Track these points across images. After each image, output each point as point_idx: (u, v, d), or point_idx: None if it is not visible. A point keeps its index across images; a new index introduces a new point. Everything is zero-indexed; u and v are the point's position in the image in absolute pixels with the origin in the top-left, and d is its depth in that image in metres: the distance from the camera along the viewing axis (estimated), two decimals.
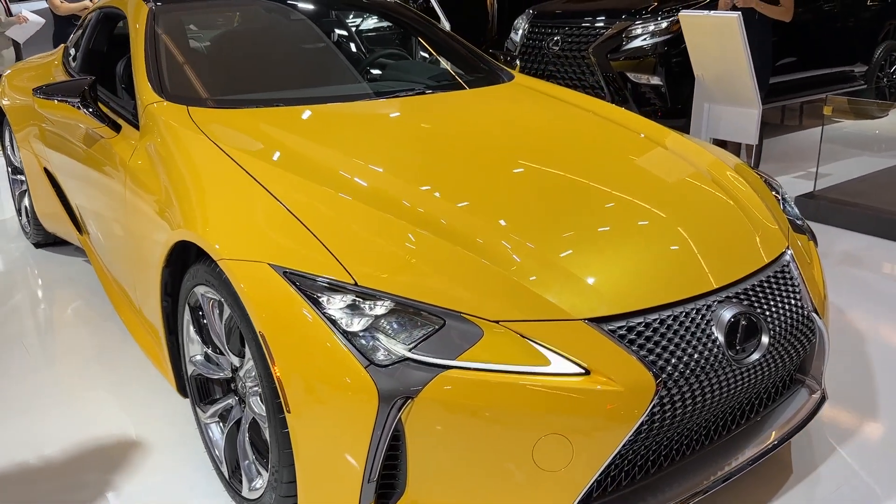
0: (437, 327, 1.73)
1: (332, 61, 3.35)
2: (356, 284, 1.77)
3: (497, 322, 1.75)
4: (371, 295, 1.76)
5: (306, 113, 2.68)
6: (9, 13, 6.62)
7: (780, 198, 2.58)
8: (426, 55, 3.70)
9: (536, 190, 2.22)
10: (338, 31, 3.71)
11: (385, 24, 4.30)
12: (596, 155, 2.53)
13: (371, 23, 4.01)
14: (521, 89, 3.22)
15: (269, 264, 1.83)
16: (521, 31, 6.66)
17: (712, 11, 3.86)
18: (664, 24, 5.71)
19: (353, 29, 3.87)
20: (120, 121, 2.82)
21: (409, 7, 3.89)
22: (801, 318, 2.09)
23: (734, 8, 4.59)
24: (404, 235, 1.92)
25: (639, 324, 1.81)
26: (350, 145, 2.43)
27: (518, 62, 3.94)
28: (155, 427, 2.60)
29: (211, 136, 2.40)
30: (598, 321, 1.78)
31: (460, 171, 2.31)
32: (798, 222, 2.53)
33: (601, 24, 5.98)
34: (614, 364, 1.74)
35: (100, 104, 2.83)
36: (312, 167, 2.24)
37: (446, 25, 8.38)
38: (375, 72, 3.33)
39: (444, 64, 3.55)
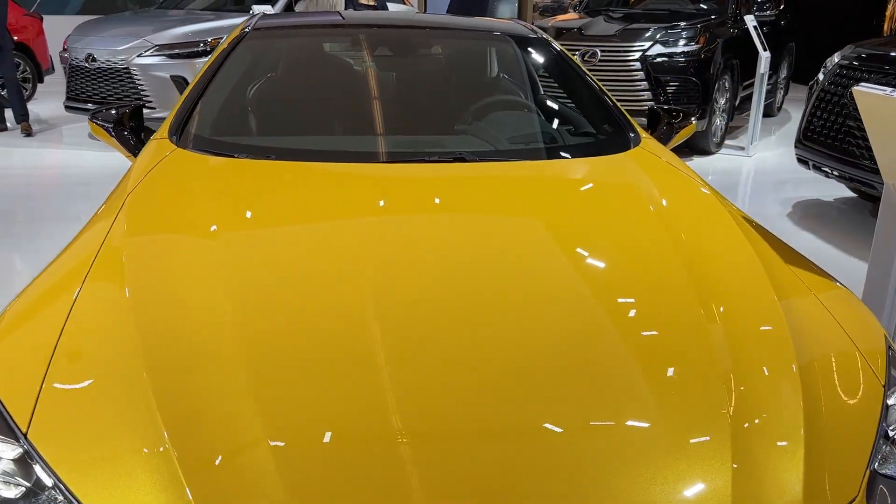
0: None
1: (404, 108, 2.72)
2: (25, 437, 1.30)
3: None
4: (36, 458, 1.28)
5: (289, 174, 2.17)
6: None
7: None
8: (534, 105, 2.93)
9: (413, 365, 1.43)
10: (447, 70, 3.12)
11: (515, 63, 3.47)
12: (577, 318, 1.59)
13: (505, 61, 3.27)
14: (624, 166, 2.34)
15: None
16: (825, 72, 5.24)
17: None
18: None
19: (477, 67, 3.22)
20: None
21: (545, 37, 3.11)
22: None
23: None
24: (146, 410, 1.34)
25: None
26: (271, 237, 1.89)
27: (694, 120, 2.95)
28: None
29: (145, 188, 2.08)
30: None
31: (343, 306, 1.59)
32: None
33: None
34: None
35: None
36: (177, 266, 1.71)
37: (765, 56, 7.09)
38: (457, 125, 2.68)
39: (550, 119, 2.77)
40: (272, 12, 7.08)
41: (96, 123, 2.67)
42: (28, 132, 7.64)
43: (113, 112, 2.72)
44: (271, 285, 1.65)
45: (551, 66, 3.06)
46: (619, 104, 2.79)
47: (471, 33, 3.25)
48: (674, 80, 6.79)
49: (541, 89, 3.02)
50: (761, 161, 7.24)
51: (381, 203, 2.05)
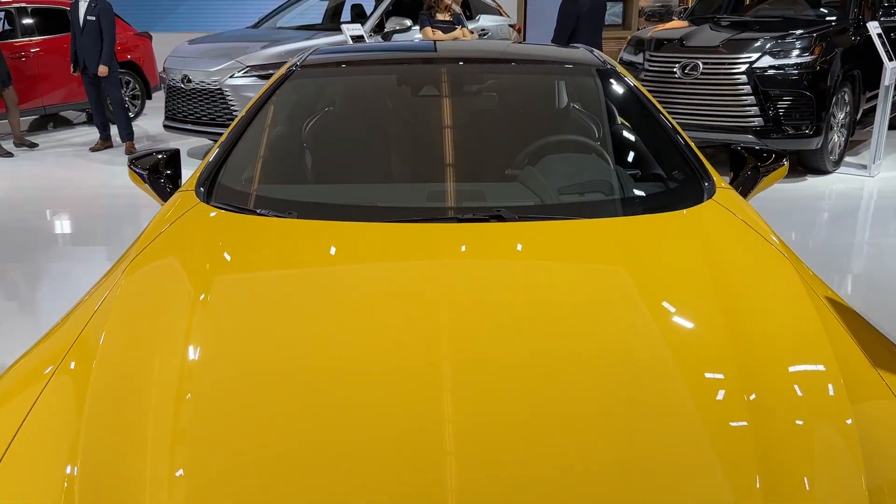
0: None
1: (443, 157, 2.40)
2: None
3: None
4: None
5: (323, 239, 1.97)
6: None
7: None
8: (599, 147, 2.59)
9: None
10: (508, 109, 2.84)
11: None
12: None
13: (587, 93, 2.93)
14: (689, 227, 2.02)
15: None
16: None
17: None
18: None
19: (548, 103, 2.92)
20: None
21: (615, 69, 2.78)
22: None
23: None
24: None
25: None
26: (279, 327, 1.64)
27: (785, 161, 2.58)
28: None
29: (153, 251, 1.96)
30: None
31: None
32: None
33: None
34: None
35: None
36: (152, 357, 1.53)
37: (891, 66, 6.44)
38: (509, 169, 2.39)
39: (614, 164, 2.45)
40: (360, 32, 7.03)
41: (133, 171, 2.60)
42: (131, 152, 7.92)
43: (158, 157, 2.64)
44: (257, 397, 1.44)
45: (620, 101, 2.74)
46: (694, 145, 2.46)
47: (531, 66, 2.97)
48: (784, 95, 6.23)
49: (607, 128, 2.72)
50: (886, 182, 6.56)
51: (416, 278, 1.80)
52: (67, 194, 6.67)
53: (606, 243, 1.95)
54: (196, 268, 1.85)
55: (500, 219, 2.00)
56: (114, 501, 1.22)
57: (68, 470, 1.28)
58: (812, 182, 6.56)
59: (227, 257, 1.91)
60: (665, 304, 1.69)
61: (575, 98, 2.96)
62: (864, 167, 6.77)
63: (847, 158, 7.01)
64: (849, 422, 1.35)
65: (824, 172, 6.68)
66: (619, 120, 2.71)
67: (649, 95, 2.69)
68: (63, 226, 5.93)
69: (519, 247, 1.93)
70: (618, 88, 2.74)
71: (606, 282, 1.80)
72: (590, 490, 1.23)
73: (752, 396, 1.39)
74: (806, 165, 6.70)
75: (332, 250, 1.94)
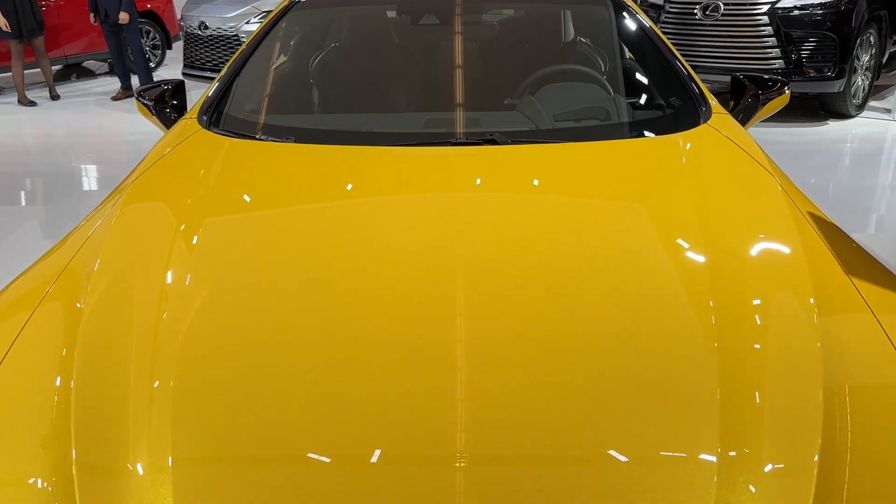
0: None
1: (446, 84, 2.43)
2: None
3: None
4: None
5: (325, 162, 2.02)
6: None
7: None
8: (598, 75, 2.58)
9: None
10: (512, 39, 2.83)
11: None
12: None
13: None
14: (678, 150, 2.03)
15: None
16: None
17: None
18: None
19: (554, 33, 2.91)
20: None
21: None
22: None
23: None
24: None
25: None
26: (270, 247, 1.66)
27: (787, 90, 2.55)
28: None
29: (151, 175, 2.01)
30: None
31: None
32: None
33: None
34: None
35: None
36: (147, 279, 1.56)
37: None
38: (508, 99, 2.41)
39: (613, 91, 2.45)
40: None
41: (140, 101, 2.65)
42: None
43: (164, 88, 2.70)
44: (244, 317, 1.46)
45: (622, 31, 2.73)
46: (693, 72, 2.45)
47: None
48: (807, 37, 6.10)
49: (608, 57, 2.71)
50: None
51: (410, 199, 1.84)
52: (91, 141, 6.79)
53: (597, 166, 1.97)
54: (192, 191, 1.89)
55: (493, 143, 2.04)
56: (103, 409, 1.28)
57: (58, 382, 1.33)
58: (834, 126, 6.45)
59: (226, 181, 1.96)
60: (649, 224, 1.71)
61: (578, 29, 2.95)
62: (889, 111, 6.64)
63: (871, 102, 6.87)
64: (815, 340, 1.36)
65: (847, 116, 6.56)
66: (620, 49, 2.70)
67: (651, 24, 2.68)
68: (87, 170, 6.04)
69: (507, 170, 1.96)
70: (620, 18, 2.73)
71: (593, 204, 1.83)
72: (588, 401, 1.26)
73: (720, 313, 1.40)
74: (828, 109, 6.59)
75: (328, 173, 1.99)
